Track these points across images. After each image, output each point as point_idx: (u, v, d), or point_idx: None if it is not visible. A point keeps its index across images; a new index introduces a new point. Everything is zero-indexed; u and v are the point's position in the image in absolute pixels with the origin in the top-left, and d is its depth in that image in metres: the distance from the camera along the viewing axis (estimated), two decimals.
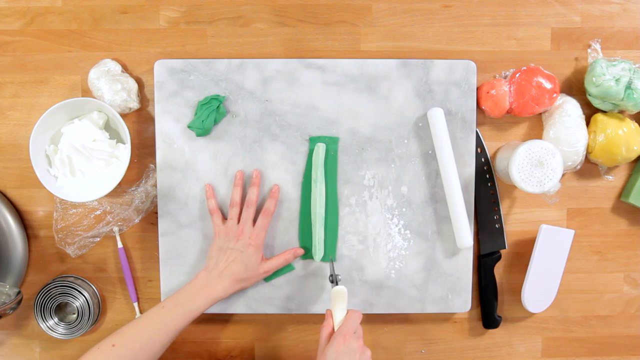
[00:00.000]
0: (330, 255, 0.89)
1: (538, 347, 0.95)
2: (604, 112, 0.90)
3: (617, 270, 0.94)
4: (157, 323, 0.79)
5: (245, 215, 0.86)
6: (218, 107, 0.87)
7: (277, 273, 0.90)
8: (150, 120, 0.91)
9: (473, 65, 0.89)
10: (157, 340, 0.78)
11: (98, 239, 0.91)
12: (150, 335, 0.78)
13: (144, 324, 0.79)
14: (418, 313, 0.92)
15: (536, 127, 0.93)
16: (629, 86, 0.86)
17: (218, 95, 0.88)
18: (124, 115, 0.89)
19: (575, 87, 0.92)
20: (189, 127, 0.88)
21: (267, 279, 0.90)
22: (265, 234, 0.86)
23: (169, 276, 0.90)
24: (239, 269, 0.83)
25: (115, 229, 0.91)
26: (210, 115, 0.87)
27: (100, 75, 0.88)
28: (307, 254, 0.90)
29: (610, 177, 0.93)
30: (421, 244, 0.90)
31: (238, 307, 0.90)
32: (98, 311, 0.92)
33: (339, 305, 0.80)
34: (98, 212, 0.91)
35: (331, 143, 0.89)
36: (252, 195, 0.87)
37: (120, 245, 0.91)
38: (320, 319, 0.93)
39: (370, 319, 0.94)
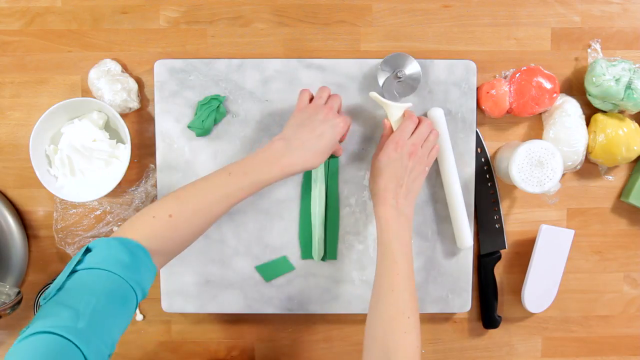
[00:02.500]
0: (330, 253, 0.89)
1: (538, 347, 0.95)
2: (604, 112, 0.90)
3: (617, 270, 0.94)
4: (221, 192, 0.72)
5: (332, 101, 0.81)
6: (218, 107, 0.87)
7: (277, 273, 0.90)
8: (150, 120, 0.91)
9: (473, 65, 0.89)
10: (217, 210, 0.72)
11: None
12: (211, 205, 0.72)
13: (206, 191, 0.72)
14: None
15: (536, 127, 0.93)
16: (629, 86, 0.86)
17: (218, 95, 0.88)
18: (124, 115, 0.89)
19: (575, 87, 0.92)
20: (189, 127, 0.88)
21: (267, 278, 0.90)
22: (349, 126, 0.83)
23: (169, 276, 0.90)
24: (324, 145, 0.77)
25: (115, 229, 0.91)
26: (210, 115, 0.87)
27: (100, 75, 0.88)
28: (307, 254, 0.90)
29: (610, 177, 0.93)
30: (421, 244, 0.90)
31: (238, 307, 0.91)
32: None
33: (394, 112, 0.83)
34: (98, 212, 0.91)
35: None
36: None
37: None
38: (320, 318, 0.93)
39: None
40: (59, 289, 0.62)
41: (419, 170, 0.81)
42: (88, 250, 0.66)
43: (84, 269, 0.64)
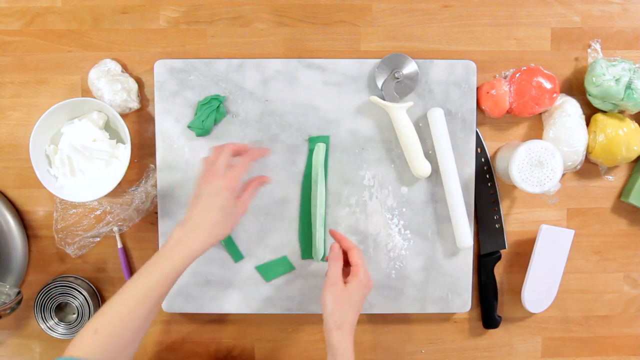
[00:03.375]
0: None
1: (538, 347, 0.95)
2: (604, 112, 0.90)
3: (617, 270, 0.94)
4: (136, 296, 0.72)
5: (221, 158, 0.78)
6: (218, 107, 0.87)
7: (276, 273, 0.90)
8: (150, 120, 0.91)
9: (473, 65, 0.89)
10: (140, 314, 0.71)
11: (98, 239, 0.91)
12: (131, 311, 0.71)
13: (123, 300, 0.72)
14: (418, 313, 0.92)
15: (536, 127, 0.93)
16: (629, 86, 0.86)
17: (218, 95, 0.88)
18: (124, 115, 0.89)
19: (575, 87, 0.92)
20: (189, 127, 0.88)
21: (267, 278, 0.90)
22: (241, 177, 0.77)
23: None
24: (214, 217, 0.75)
25: (115, 229, 0.91)
26: (210, 115, 0.87)
27: (100, 75, 0.88)
28: (307, 254, 0.90)
29: (610, 177, 0.93)
30: (421, 244, 0.90)
31: (238, 307, 0.91)
32: None
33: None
34: (98, 212, 0.91)
35: (324, 141, 0.89)
36: (241, 157, 0.80)
37: (120, 245, 0.91)
38: (320, 319, 0.93)
39: (370, 319, 0.94)
40: None
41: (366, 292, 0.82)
42: None
43: None
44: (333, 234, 0.84)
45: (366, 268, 0.80)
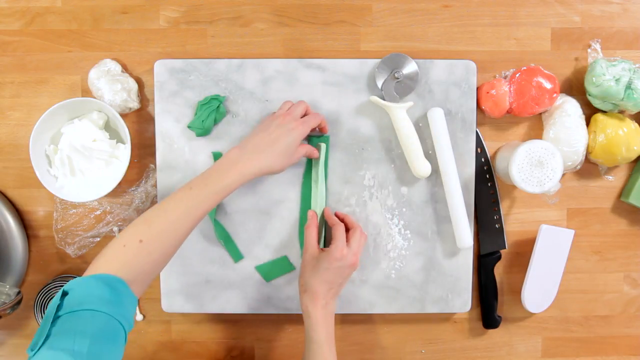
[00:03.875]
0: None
1: (538, 347, 0.95)
2: (604, 112, 0.90)
3: (617, 270, 0.94)
4: (183, 207, 0.73)
5: (300, 106, 0.83)
6: (218, 107, 0.87)
7: (277, 273, 0.90)
8: (150, 120, 0.91)
9: (473, 65, 0.89)
10: (184, 227, 0.73)
11: (98, 239, 0.91)
12: (177, 222, 0.73)
13: (170, 209, 0.73)
14: (418, 313, 0.92)
15: (536, 127, 0.93)
16: (629, 86, 0.86)
17: (218, 95, 0.88)
18: (124, 115, 0.89)
19: (575, 87, 0.92)
20: (189, 127, 0.88)
21: (267, 278, 0.90)
22: (309, 130, 0.82)
23: (169, 276, 0.90)
24: (279, 147, 0.79)
25: (115, 229, 0.91)
26: (210, 115, 0.87)
27: (100, 75, 0.88)
28: None
29: (610, 177, 0.93)
30: (421, 244, 0.90)
31: (238, 307, 0.91)
32: None
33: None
34: (98, 212, 0.91)
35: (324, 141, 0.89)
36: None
37: None
38: None
39: (370, 319, 0.94)
40: (47, 337, 0.61)
41: (349, 275, 0.83)
42: (65, 293, 0.65)
43: (67, 313, 0.63)
44: (324, 211, 0.87)
45: (345, 245, 0.81)
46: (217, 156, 0.89)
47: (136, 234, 0.71)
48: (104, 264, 0.69)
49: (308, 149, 0.85)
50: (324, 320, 0.80)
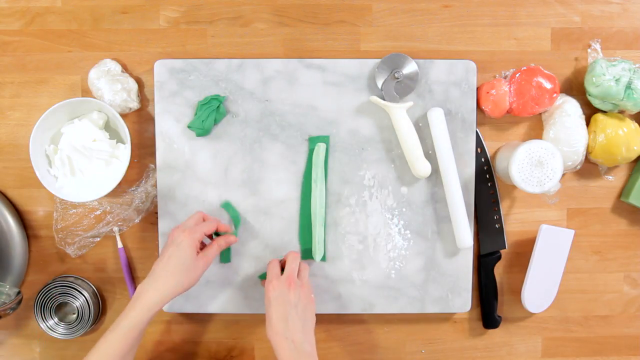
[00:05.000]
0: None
1: (538, 347, 0.95)
2: (604, 112, 0.90)
3: (617, 270, 0.94)
4: (101, 351, 0.74)
5: (193, 217, 0.82)
6: (218, 107, 0.87)
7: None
8: (150, 120, 0.91)
9: (473, 65, 0.89)
10: None
11: (98, 239, 0.91)
12: None
13: (96, 355, 0.74)
14: (418, 313, 0.92)
15: (536, 127, 0.93)
16: (629, 86, 0.86)
17: (218, 95, 0.88)
18: (124, 115, 0.89)
19: (575, 87, 0.92)
20: (189, 127, 0.88)
21: (261, 275, 0.89)
22: (200, 236, 0.80)
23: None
24: (171, 267, 0.77)
25: (115, 229, 0.91)
26: (210, 115, 0.87)
27: (100, 75, 0.88)
28: (307, 254, 0.90)
29: (610, 177, 0.93)
30: (421, 244, 0.90)
31: (238, 307, 0.90)
32: (98, 311, 0.92)
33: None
34: (98, 212, 0.91)
35: (324, 141, 0.89)
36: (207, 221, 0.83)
37: (120, 245, 0.91)
38: (320, 318, 0.93)
39: (370, 319, 0.94)
40: None
41: (305, 299, 0.80)
42: None
43: None
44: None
45: (276, 277, 0.80)
46: (226, 206, 0.89)
47: None
48: None
49: (217, 245, 0.82)
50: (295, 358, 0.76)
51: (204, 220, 0.83)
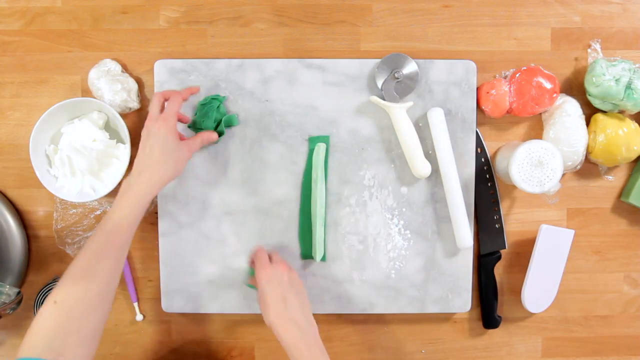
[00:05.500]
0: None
1: (538, 347, 0.95)
2: (604, 112, 0.90)
3: (617, 270, 0.94)
4: (90, 256, 0.70)
5: (152, 104, 0.80)
6: (218, 107, 0.87)
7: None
8: None
9: (473, 65, 0.89)
10: (99, 273, 0.70)
11: None
12: (88, 274, 0.69)
13: (78, 263, 0.70)
14: (418, 313, 0.92)
15: (536, 127, 0.93)
16: (629, 86, 0.86)
17: (218, 95, 0.88)
18: (124, 115, 0.89)
19: (575, 87, 0.92)
20: (189, 127, 0.88)
21: (251, 272, 0.89)
22: (174, 119, 0.78)
23: (169, 276, 0.90)
24: (155, 156, 0.75)
25: None
26: (210, 114, 0.87)
27: (100, 75, 0.88)
28: (307, 254, 0.90)
29: (610, 177, 0.93)
30: (421, 244, 0.90)
31: (238, 307, 0.91)
32: None
33: None
34: (98, 212, 0.91)
35: (324, 141, 0.89)
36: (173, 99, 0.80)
37: None
38: (320, 318, 0.93)
39: (370, 319, 0.94)
40: None
41: (297, 282, 0.80)
42: None
43: None
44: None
45: (261, 261, 0.80)
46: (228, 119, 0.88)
47: (50, 297, 0.67)
48: (27, 347, 0.64)
49: (200, 138, 0.81)
50: (304, 342, 0.75)
51: (166, 100, 0.81)
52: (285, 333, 0.75)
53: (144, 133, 0.78)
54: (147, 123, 0.78)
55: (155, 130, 0.77)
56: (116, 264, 0.72)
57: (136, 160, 0.77)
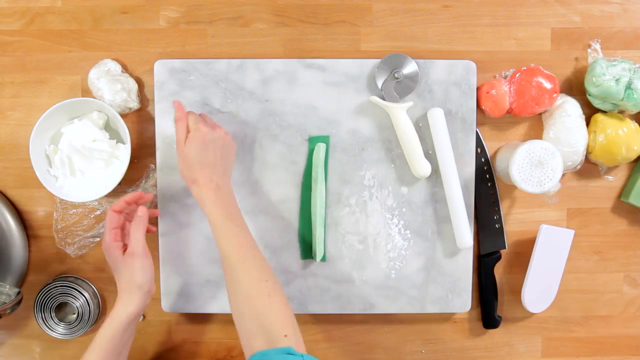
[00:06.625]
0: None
1: (538, 347, 0.95)
2: (604, 112, 0.90)
3: (617, 270, 0.94)
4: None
5: (106, 220, 0.80)
6: None
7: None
8: (150, 120, 0.91)
9: (473, 65, 0.89)
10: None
11: (98, 239, 0.91)
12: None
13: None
14: (418, 313, 0.92)
15: (536, 127, 0.93)
16: (629, 86, 0.86)
17: None
18: (124, 115, 0.89)
19: (575, 87, 0.92)
20: None
21: None
22: (109, 237, 0.79)
23: (169, 276, 0.90)
24: (121, 282, 0.78)
25: None
26: None
27: (100, 75, 0.88)
28: (307, 254, 0.90)
29: (610, 177, 0.93)
30: (421, 244, 0.90)
31: None
32: (98, 311, 0.92)
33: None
34: (98, 212, 0.91)
35: (324, 141, 0.89)
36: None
37: None
38: (320, 318, 0.93)
39: (370, 319, 0.94)
40: None
41: (229, 141, 0.81)
42: None
43: None
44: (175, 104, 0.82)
45: (200, 121, 0.79)
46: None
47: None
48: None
49: (133, 239, 0.78)
50: (219, 200, 0.77)
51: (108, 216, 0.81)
52: (205, 191, 0.77)
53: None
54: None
55: (105, 250, 0.79)
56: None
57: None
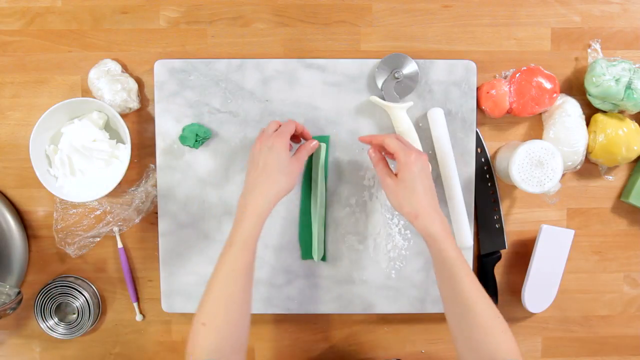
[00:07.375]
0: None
1: (538, 347, 0.95)
2: (604, 112, 0.90)
3: (617, 270, 0.94)
4: (226, 276, 0.73)
5: (269, 126, 0.82)
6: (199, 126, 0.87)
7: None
8: (150, 120, 0.91)
9: (473, 65, 0.89)
10: (236, 292, 0.73)
11: (98, 239, 0.91)
12: (227, 292, 0.72)
13: (216, 284, 0.73)
14: (418, 313, 0.92)
15: (536, 127, 0.93)
16: (629, 86, 0.86)
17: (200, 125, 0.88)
18: (124, 115, 0.89)
19: (575, 87, 0.92)
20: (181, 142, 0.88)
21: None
22: (288, 138, 0.80)
23: (169, 276, 0.90)
24: (271, 170, 0.77)
25: (115, 229, 0.91)
26: (191, 135, 0.87)
27: (100, 75, 0.88)
28: (307, 254, 0.90)
29: (610, 177, 0.93)
30: (421, 244, 0.90)
31: None
32: (98, 311, 0.92)
33: None
34: (98, 212, 0.91)
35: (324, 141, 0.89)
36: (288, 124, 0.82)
37: (120, 245, 0.91)
38: (320, 318, 0.93)
39: (370, 319, 0.94)
40: None
41: (430, 173, 0.79)
42: None
43: None
44: (361, 140, 0.83)
45: (406, 147, 0.77)
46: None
47: (198, 320, 0.71)
48: (196, 348, 0.69)
49: (305, 149, 0.82)
50: (447, 233, 0.74)
51: (279, 125, 0.82)
52: (432, 224, 0.74)
53: (255, 150, 0.80)
54: (259, 140, 0.80)
55: (269, 144, 0.78)
56: (249, 282, 0.75)
57: (248, 178, 0.79)
